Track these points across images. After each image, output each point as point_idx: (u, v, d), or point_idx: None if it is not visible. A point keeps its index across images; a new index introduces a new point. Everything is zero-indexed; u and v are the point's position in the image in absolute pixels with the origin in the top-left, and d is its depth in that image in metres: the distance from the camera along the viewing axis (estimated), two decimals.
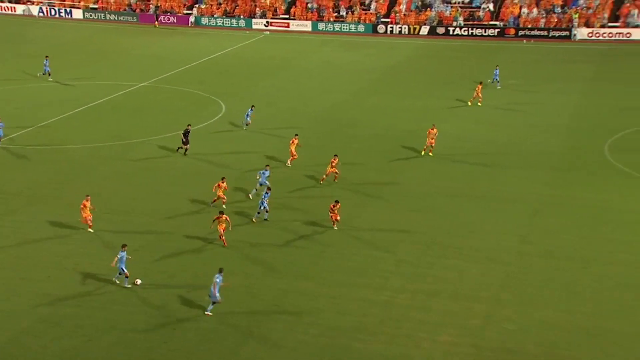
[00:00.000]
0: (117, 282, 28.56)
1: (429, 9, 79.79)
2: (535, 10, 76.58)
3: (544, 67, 63.31)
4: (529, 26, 75.22)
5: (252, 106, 47.90)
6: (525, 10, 76.81)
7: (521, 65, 64.32)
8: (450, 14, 78.37)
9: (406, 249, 31.50)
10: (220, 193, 34.74)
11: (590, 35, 72.79)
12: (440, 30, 76.91)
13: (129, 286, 28.29)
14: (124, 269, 28.11)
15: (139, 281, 28.45)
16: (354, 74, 61.81)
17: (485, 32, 75.64)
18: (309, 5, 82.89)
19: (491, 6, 78.11)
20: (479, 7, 78.45)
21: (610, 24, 73.52)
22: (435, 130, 41.86)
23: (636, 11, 73.11)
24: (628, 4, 74.22)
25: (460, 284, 28.81)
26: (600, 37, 72.51)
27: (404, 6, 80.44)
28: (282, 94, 56.34)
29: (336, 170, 37.98)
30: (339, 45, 73.92)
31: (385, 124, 48.25)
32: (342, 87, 57.91)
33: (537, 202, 35.78)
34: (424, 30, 77.44)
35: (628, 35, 71.88)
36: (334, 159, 37.95)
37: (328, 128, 47.74)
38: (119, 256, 28.09)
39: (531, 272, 29.73)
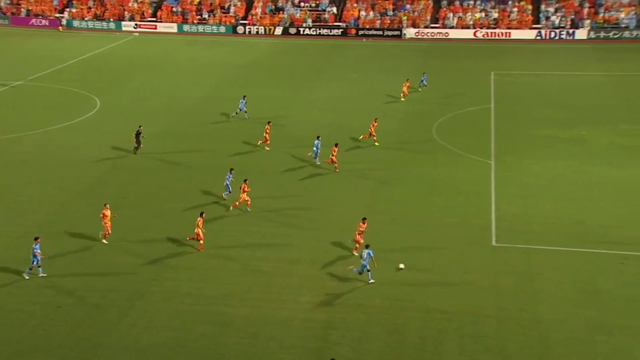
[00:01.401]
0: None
1: (281, 11, 79.65)
2: (371, 13, 78.25)
3: (381, 62, 64.79)
4: (367, 26, 76.74)
5: (244, 96, 46.26)
6: (363, 13, 78.31)
7: (361, 60, 65.53)
8: (300, 16, 78.64)
9: (269, 225, 31.26)
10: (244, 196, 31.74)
11: (417, 34, 75.21)
12: (292, 30, 77.02)
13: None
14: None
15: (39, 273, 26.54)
16: (218, 70, 60.67)
17: (330, 32, 76.48)
18: (174, 9, 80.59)
19: (335, 9, 79.06)
20: (325, 10, 79.19)
21: (432, 25, 76.29)
22: (376, 123, 41.19)
23: (451, 14, 76.35)
24: (445, 9, 77.36)
25: (318, 252, 28.99)
26: (425, 36, 75.08)
27: (260, 9, 79.87)
28: (155, 89, 54.52)
29: (335, 160, 36.48)
30: (203, 45, 72.27)
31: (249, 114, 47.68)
32: (208, 81, 56.75)
33: (380, 178, 36.56)
34: (278, 30, 77.23)
35: (446, 34, 74.91)
36: (335, 148, 36.47)
37: (199, 119, 46.58)
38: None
39: (378, 237, 30.36)
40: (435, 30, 75.32)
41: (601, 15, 73.45)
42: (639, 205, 32.33)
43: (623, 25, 72.38)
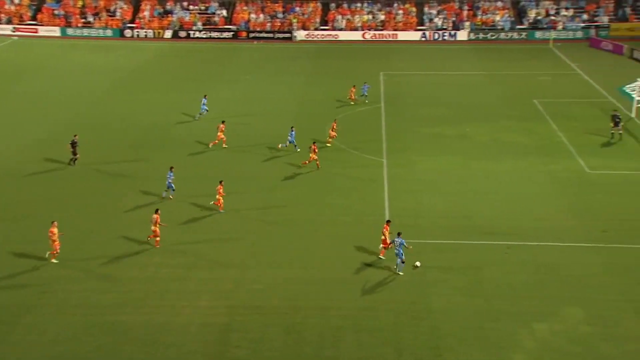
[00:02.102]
0: None
1: (170, 15, 78.00)
2: (261, 16, 78.14)
3: (273, 64, 64.84)
4: (258, 29, 76.56)
5: (205, 95, 46.61)
6: (253, 15, 78.06)
7: (252, 63, 65.34)
8: (190, 19, 77.34)
9: (165, 230, 30.58)
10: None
11: (307, 36, 75.80)
12: (182, 34, 75.56)
13: None
14: None
15: None
16: (105, 74, 58.62)
17: (221, 34, 75.67)
18: (56, 12, 77.05)
19: (224, 12, 78.33)
20: (214, 13, 78.30)
21: (322, 27, 77.19)
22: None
23: (340, 17, 77.61)
24: (334, 12, 78.48)
25: (214, 255, 28.64)
26: (315, 38, 75.83)
27: (147, 12, 77.84)
28: (38, 96, 51.92)
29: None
30: (89, 48, 69.63)
31: (138, 117, 46.34)
32: (95, 86, 54.70)
33: (272, 180, 36.55)
34: (168, 34, 75.56)
35: (336, 36, 76.01)
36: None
37: (89, 124, 44.81)
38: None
39: (273, 238, 30.37)
40: (325, 32, 76.29)
41: (479, 17, 77.01)
42: (519, 197, 34.05)
43: (499, 27, 76.18)
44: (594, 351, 22.69)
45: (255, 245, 29.61)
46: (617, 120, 42.26)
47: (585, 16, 75.99)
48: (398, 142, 42.60)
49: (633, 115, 46.62)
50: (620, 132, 42.25)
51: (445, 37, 75.61)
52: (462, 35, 75.55)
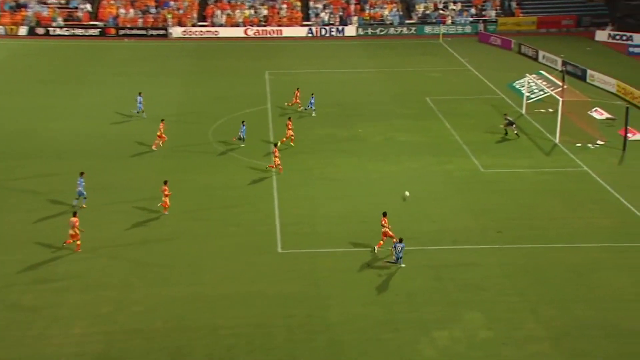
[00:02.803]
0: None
1: (24, 9, 74.47)
2: (132, 11, 76.25)
3: (147, 64, 63.51)
4: (128, 25, 74.68)
5: (140, 93, 47.22)
6: (122, 10, 76.01)
7: (124, 63, 63.68)
8: (48, 14, 74.19)
9: (33, 250, 29.18)
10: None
11: (184, 33, 74.77)
12: (40, 30, 72.40)
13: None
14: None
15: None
16: None
17: (86, 31, 73.17)
18: None
19: (89, 7, 75.75)
20: (77, 8, 75.55)
21: (200, 24, 76.42)
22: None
23: (219, 12, 77.12)
24: (212, 6, 77.89)
25: (90, 276, 27.66)
26: (194, 35, 74.94)
27: None
28: None
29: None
30: None
31: None
32: None
33: (150, 190, 35.80)
34: (23, 30, 72.19)
35: (216, 33, 75.48)
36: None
37: None
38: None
39: (156, 254, 29.73)
40: (204, 29, 75.59)
41: (367, 12, 78.98)
42: (415, 199, 35.14)
43: (388, 22, 78.48)
44: (495, 356, 23.72)
45: (136, 263, 28.87)
46: (510, 121, 44.57)
47: (473, 10, 79.73)
48: (288, 145, 42.93)
49: (523, 112, 49.39)
50: (516, 132, 44.60)
51: (333, 33, 76.99)
52: (350, 30, 77.21)
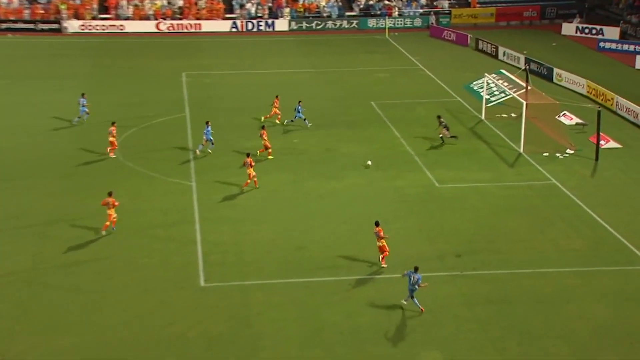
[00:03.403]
0: None
1: None
2: (16, 1, 74.77)
3: (36, 64, 62.40)
4: (12, 18, 73.18)
5: (83, 94, 47.71)
6: (4, 0, 74.50)
7: (9, 63, 62.42)
8: None
9: None
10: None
11: (82, 28, 73.79)
12: None
13: None
14: None
15: None
16: None
17: None
18: None
19: None
20: None
21: (102, 16, 75.53)
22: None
23: (125, 2, 76.33)
24: None
25: None
26: (94, 30, 74.04)
27: None
28: None
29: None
30: None
31: None
32: None
33: (43, 217, 35.20)
34: None
35: (122, 27, 74.74)
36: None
37: None
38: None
39: (48, 297, 29.10)
40: (107, 23, 74.79)
41: (301, 2, 79.51)
42: (361, 220, 35.40)
43: (325, 14, 79.23)
44: None
45: (21, 306, 28.21)
46: (443, 124, 45.49)
47: (423, 1, 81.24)
48: (211, 159, 42.75)
49: (482, 117, 50.48)
50: (441, 136, 45.50)
51: (262, 28, 77.30)
52: (281, 24, 77.65)
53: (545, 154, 44.18)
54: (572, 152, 44.57)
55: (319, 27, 78.03)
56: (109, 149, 42.55)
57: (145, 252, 32.43)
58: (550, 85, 58.30)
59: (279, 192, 38.77)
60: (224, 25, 76.89)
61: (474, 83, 53.29)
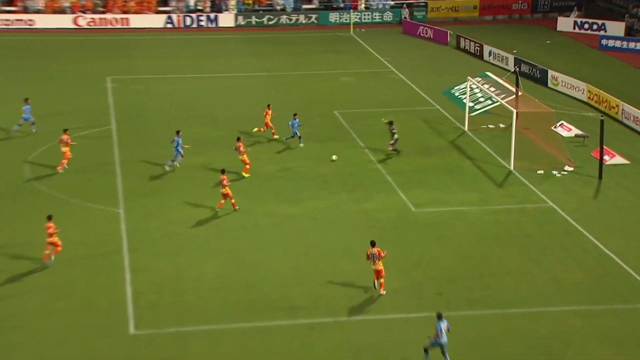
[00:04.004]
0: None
1: None
2: None
3: None
4: None
5: (27, 99, 48.31)
6: None
7: None
8: None
9: None
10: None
11: None
12: None
13: None
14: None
15: None
16: None
17: None
18: None
19: None
20: None
21: (6, 9, 74.88)
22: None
23: None
24: None
25: None
26: None
27: None
28: None
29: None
30: None
31: None
32: None
33: None
34: None
35: (31, 23, 74.24)
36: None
37: None
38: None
39: None
40: (13, 17, 74.27)
41: None
42: (324, 251, 35.40)
43: (279, 7, 79.52)
44: None
45: None
46: (393, 131, 46.15)
47: None
48: (143, 180, 42.63)
49: (465, 128, 50.92)
50: (392, 148, 46.40)
51: (202, 23, 77.41)
52: (226, 19, 77.85)
53: (539, 172, 44.66)
54: (571, 169, 45.08)
55: (271, 23, 78.35)
56: (63, 163, 43.09)
57: (63, 294, 32.05)
58: (545, 90, 59.05)
59: (226, 219, 38.63)
60: (156, 20, 76.82)
61: (455, 88, 53.75)
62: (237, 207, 39.24)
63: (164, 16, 76.97)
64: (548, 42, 74.18)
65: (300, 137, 47.78)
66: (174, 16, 76.92)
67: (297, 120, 47.71)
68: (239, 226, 38.12)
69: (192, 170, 44.09)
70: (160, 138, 48.10)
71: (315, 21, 78.92)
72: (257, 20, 78.10)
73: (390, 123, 46.85)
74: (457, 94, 53.20)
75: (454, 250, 36.22)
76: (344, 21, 78.17)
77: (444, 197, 41.59)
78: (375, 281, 32.01)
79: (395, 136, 46.25)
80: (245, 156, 43.40)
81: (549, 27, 78.53)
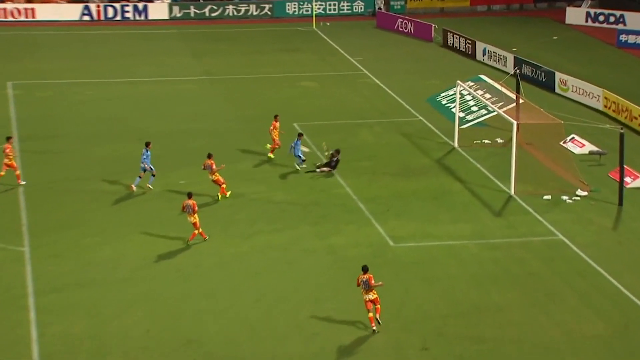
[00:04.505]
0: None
1: None
2: None
3: None
4: None
5: None
6: None
7: None
8: None
9: None
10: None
11: None
12: None
13: None
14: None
15: None
16: None
17: None
18: None
19: None
20: None
21: None
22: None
23: None
24: None
25: None
26: None
27: None
28: None
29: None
30: None
31: None
32: None
33: None
34: None
35: None
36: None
37: None
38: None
39: None
40: None
41: None
42: (279, 298, 35.18)
43: None
44: None
45: None
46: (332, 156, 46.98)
47: None
48: (54, 212, 42.36)
49: (455, 144, 50.95)
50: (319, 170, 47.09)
51: (128, 15, 77.35)
52: (158, 10, 77.87)
53: (546, 197, 44.77)
54: (584, 193, 45.21)
55: (214, 15, 78.40)
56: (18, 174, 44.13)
57: None
58: (552, 96, 59.43)
59: (159, 258, 38.30)
60: (70, 12, 76.63)
61: (442, 95, 53.93)
62: (206, 237, 39.83)
63: (79, 6, 76.69)
64: (555, 37, 74.83)
65: (303, 160, 47.90)
66: (92, 6, 76.71)
67: (300, 142, 47.77)
68: (175, 268, 37.74)
69: (113, 198, 43.72)
70: (76, 158, 47.80)
71: (269, 12, 79.11)
72: (197, 11, 78.03)
73: (336, 152, 47.37)
74: (444, 102, 53.36)
75: (443, 295, 36.08)
76: (305, 12, 78.42)
77: (430, 229, 41.52)
78: (369, 316, 32.37)
79: (333, 164, 46.77)
80: (218, 175, 43.69)
81: (555, 20, 79.24)
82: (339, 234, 41.01)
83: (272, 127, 49.00)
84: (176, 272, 37.53)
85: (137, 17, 76.74)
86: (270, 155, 48.85)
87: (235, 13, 78.50)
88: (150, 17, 76.98)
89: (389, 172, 47.02)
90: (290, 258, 38.82)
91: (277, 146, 48.89)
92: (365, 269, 32.50)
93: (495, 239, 40.91)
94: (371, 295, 32.30)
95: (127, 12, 76.78)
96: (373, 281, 32.24)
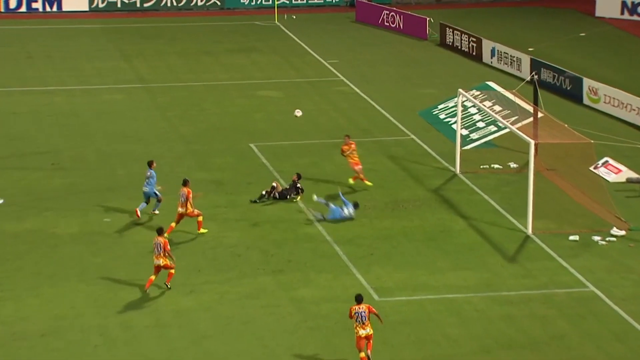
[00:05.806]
0: None
1: None
2: None
3: None
4: None
5: None
6: None
7: None
8: None
9: None
10: None
11: None
12: None
13: None
14: None
15: None
16: None
17: None
18: None
19: None
20: None
21: None
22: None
23: None
24: None
25: None
26: None
27: None
28: None
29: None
30: None
31: None
32: None
33: None
34: None
35: None
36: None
37: None
38: None
39: None
40: None
41: None
42: None
43: None
44: None
45: None
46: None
47: None
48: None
49: (457, 169, 51.04)
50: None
51: (37, 6, 77.51)
52: (76, 0, 77.66)
53: (572, 237, 44.95)
54: (622, 232, 45.39)
55: (147, 6, 78.57)
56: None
57: None
58: (579, 108, 59.78)
59: (73, 318, 38.11)
60: None
61: (440, 107, 54.26)
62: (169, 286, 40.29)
63: None
64: (582, 34, 75.24)
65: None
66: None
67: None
68: (97, 331, 37.47)
69: (16, 241, 43.58)
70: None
71: (218, 2, 79.32)
72: (126, 1, 77.96)
73: (297, 177, 48.56)
74: (442, 117, 53.67)
75: (429, 357, 36.08)
76: (264, 3, 78.55)
77: (425, 279, 41.53)
78: (361, 356, 33.03)
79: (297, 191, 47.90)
80: (191, 207, 44.29)
81: (583, 11, 79.67)
82: (308, 285, 40.92)
83: (346, 147, 49.44)
84: (98, 336, 37.30)
85: (48, 9, 76.76)
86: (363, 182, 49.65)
87: (175, 3, 78.61)
88: (65, 9, 77.01)
89: (372, 205, 47.13)
90: (246, 317, 38.70)
91: (359, 169, 49.32)
92: (359, 299, 33.16)
93: (509, 291, 40.92)
94: (368, 330, 32.96)
95: (35, 1, 76.73)
96: (373, 309, 33.50)
